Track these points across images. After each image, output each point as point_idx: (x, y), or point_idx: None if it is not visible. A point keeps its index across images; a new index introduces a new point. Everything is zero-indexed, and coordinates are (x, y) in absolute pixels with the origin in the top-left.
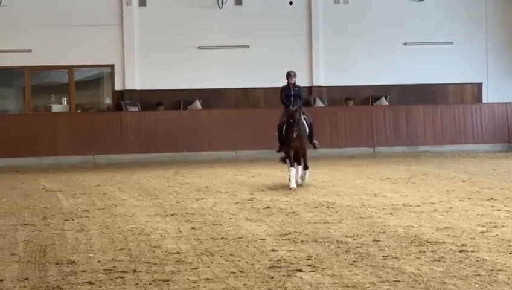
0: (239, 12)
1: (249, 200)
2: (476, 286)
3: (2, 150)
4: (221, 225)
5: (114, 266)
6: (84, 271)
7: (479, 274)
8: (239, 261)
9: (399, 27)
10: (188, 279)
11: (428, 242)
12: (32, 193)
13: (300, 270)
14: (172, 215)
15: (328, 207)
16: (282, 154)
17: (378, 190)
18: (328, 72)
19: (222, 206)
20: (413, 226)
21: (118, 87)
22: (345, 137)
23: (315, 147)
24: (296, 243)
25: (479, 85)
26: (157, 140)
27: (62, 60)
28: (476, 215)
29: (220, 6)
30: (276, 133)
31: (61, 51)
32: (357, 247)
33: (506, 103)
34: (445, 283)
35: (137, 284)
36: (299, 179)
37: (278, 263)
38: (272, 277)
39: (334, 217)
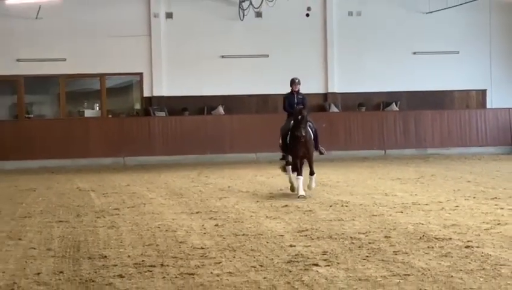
0: (259, 24)
1: (268, 199)
2: (481, 279)
3: (38, 152)
4: (242, 222)
5: (143, 261)
6: (115, 265)
7: (483, 268)
8: (259, 256)
9: (408, 37)
10: (211, 273)
11: (436, 238)
12: (66, 192)
13: (316, 265)
14: (197, 213)
15: (342, 206)
16: (284, 162)
17: (389, 189)
18: (342, 80)
19: (243, 205)
20: (422, 224)
21: (146, 93)
22: (357, 140)
23: (321, 153)
24: (313, 239)
25: (484, 92)
26: (183, 143)
27: (94, 69)
28: (480, 214)
29: (242, 18)
30: (280, 141)
31: (93, 60)
32: (370, 243)
33: (509, 108)
34: (451, 276)
35: (164, 277)
36: (306, 187)
37: (295, 258)
38: (290, 271)
39: (348, 215)
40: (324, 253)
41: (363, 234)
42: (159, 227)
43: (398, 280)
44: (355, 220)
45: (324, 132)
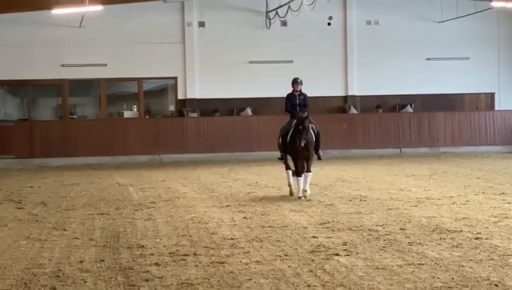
0: (284, 32)
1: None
2: (490, 268)
3: (81, 150)
4: (268, 215)
5: (177, 250)
6: (152, 254)
7: (492, 259)
8: (284, 246)
9: (422, 45)
10: (240, 261)
11: (448, 230)
12: (107, 186)
13: (337, 254)
14: (227, 206)
15: (361, 200)
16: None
17: (404, 185)
18: (361, 84)
19: (269, 199)
20: (435, 217)
21: (180, 96)
22: (375, 140)
23: (319, 158)
24: (333, 230)
25: (492, 95)
26: (214, 142)
27: (132, 73)
28: (489, 208)
29: (268, 27)
30: (279, 141)
31: (131, 65)
32: (386, 234)
33: None
34: (462, 266)
35: (197, 265)
36: (301, 192)
37: (317, 248)
38: (313, 260)
39: (366, 209)
40: (344, 244)
41: (380, 226)
42: (192, 219)
43: (412, 269)
44: (373, 214)
45: (344, 132)
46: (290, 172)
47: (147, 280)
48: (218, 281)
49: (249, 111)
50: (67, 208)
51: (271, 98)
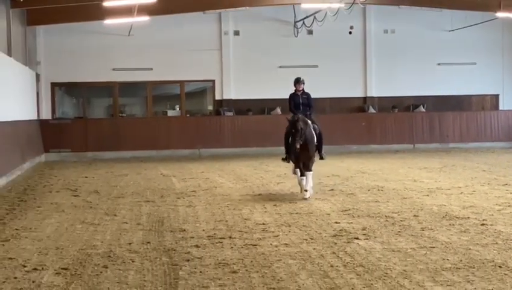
0: (310, 40)
1: (317, 184)
2: (494, 251)
3: (129, 144)
4: (296, 203)
5: (215, 234)
6: (192, 237)
7: (496, 243)
8: (310, 230)
9: (434, 51)
10: (271, 244)
11: (457, 217)
12: (152, 177)
13: (357, 238)
14: (258, 195)
15: (378, 190)
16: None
17: (417, 177)
18: (379, 86)
19: (297, 189)
20: (445, 205)
21: (217, 97)
22: (391, 136)
23: (322, 158)
24: (354, 217)
25: (496, 96)
26: (247, 138)
27: (175, 76)
28: (494, 197)
29: (296, 35)
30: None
31: (174, 69)
32: (401, 221)
33: None
34: (470, 249)
35: (232, 247)
36: (303, 191)
37: (339, 233)
38: (335, 243)
39: (383, 198)
40: (363, 229)
41: (396, 213)
42: (228, 206)
43: (424, 252)
44: (389, 202)
45: (363, 129)
46: (298, 171)
47: (188, 260)
48: (251, 261)
49: (278, 110)
50: (117, 196)
51: None
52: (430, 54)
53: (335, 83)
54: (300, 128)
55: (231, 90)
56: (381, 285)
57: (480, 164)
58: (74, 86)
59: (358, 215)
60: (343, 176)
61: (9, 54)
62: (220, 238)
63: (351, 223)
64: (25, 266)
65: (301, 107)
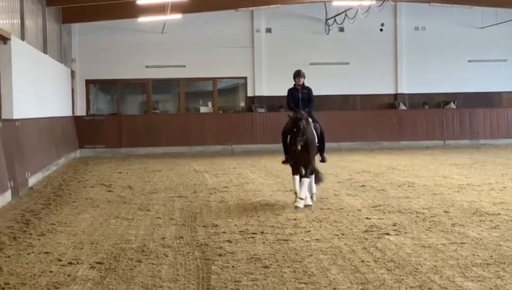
0: (341, 37)
1: (348, 180)
2: None
3: (163, 140)
4: (327, 198)
5: (247, 229)
6: (224, 232)
7: None
8: (341, 226)
9: (464, 48)
10: (302, 239)
11: (487, 213)
12: (185, 173)
13: (388, 234)
14: (290, 190)
15: (409, 186)
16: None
17: (447, 173)
18: (409, 83)
19: (328, 185)
20: (475, 201)
21: (249, 93)
22: (421, 132)
23: (323, 161)
24: (385, 213)
25: None
26: (279, 134)
27: (208, 73)
28: None
29: (327, 33)
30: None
31: (207, 66)
32: (432, 216)
33: None
34: (500, 245)
35: (264, 242)
36: (307, 193)
37: (370, 228)
38: (366, 239)
39: (414, 194)
40: (394, 224)
41: (426, 209)
42: (260, 202)
43: (455, 247)
44: (420, 198)
45: (394, 126)
46: (297, 178)
47: (220, 255)
48: (283, 256)
49: None
50: (150, 191)
51: (329, 95)
52: (460, 51)
53: (366, 80)
54: (303, 128)
55: (263, 87)
56: (411, 280)
57: (511, 160)
58: (108, 83)
59: (389, 211)
60: (374, 172)
61: (45, 51)
62: (252, 233)
63: (382, 219)
64: (60, 260)
65: (301, 102)
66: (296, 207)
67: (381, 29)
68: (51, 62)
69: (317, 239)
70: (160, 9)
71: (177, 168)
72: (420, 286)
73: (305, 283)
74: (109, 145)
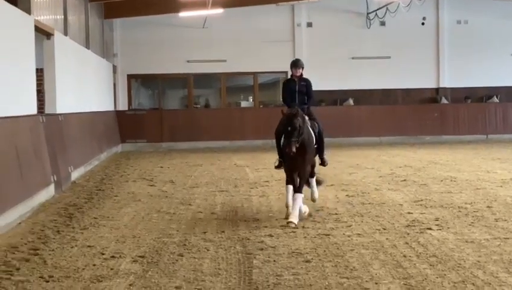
0: (383, 31)
1: (389, 174)
2: None
3: (204, 135)
4: (368, 193)
5: (288, 223)
6: (266, 227)
7: None
8: (382, 221)
9: (507, 41)
10: (343, 234)
11: None
12: (226, 167)
13: (430, 229)
14: (331, 185)
15: (451, 180)
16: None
17: (490, 167)
18: (452, 76)
19: (369, 179)
20: None
21: None
22: (464, 127)
23: (323, 164)
24: (427, 207)
25: None
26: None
27: (248, 68)
28: None
29: (368, 27)
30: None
31: (247, 61)
32: (474, 211)
33: None
34: None
35: (305, 237)
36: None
37: (412, 223)
38: (408, 233)
39: (456, 188)
40: (436, 219)
41: (469, 204)
42: None
43: (498, 243)
44: (462, 193)
45: (436, 120)
46: (291, 188)
47: (262, 249)
48: (324, 251)
49: (350, 101)
50: (192, 186)
51: (371, 89)
52: (503, 44)
53: (407, 74)
54: (299, 126)
55: None
56: (454, 275)
57: None
58: (150, 78)
59: (431, 206)
60: (416, 166)
61: (87, 46)
62: (294, 227)
63: (424, 213)
64: (103, 254)
65: (297, 96)
66: (289, 223)
67: (422, 23)
68: (93, 57)
69: (359, 234)
70: (201, 4)
71: (218, 163)
72: (463, 281)
73: (347, 278)
74: (150, 139)
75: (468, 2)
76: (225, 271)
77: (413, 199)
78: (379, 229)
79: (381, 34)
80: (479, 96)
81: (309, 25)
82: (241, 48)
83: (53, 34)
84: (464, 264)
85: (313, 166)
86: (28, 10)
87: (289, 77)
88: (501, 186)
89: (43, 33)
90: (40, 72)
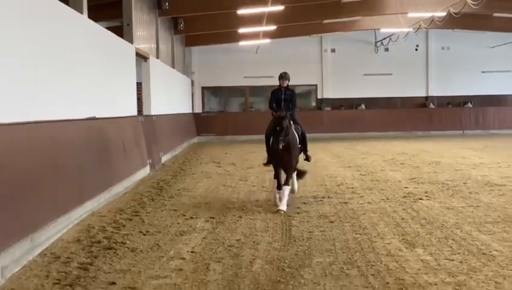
0: (386, 55)
1: (391, 159)
2: None
3: (257, 130)
4: (376, 173)
5: (317, 194)
6: (301, 196)
7: None
8: (386, 193)
9: (479, 62)
10: (358, 202)
11: (496, 185)
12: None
13: (421, 199)
14: (349, 167)
15: (436, 164)
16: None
17: (465, 154)
18: (437, 88)
19: (376, 163)
20: (487, 175)
21: (319, 96)
22: (446, 124)
23: (308, 160)
24: (418, 183)
25: None
26: (340, 125)
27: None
28: None
29: (376, 52)
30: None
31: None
32: (454, 187)
33: None
34: (506, 208)
35: (330, 204)
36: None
37: (408, 195)
38: (405, 202)
39: (440, 170)
40: (426, 192)
41: (450, 181)
42: (326, 175)
43: (472, 209)
44: (445, 173)
45: (425, 120)
46: (276, 183)
47: (298, 213)
48: (343, 214)
49: (363, 106)
50: (248, 167)
51: (377, 97)
52: (475, 65)
53: (404, 86)
54: (286, 126)
55: (329, 91)
56: (439, 233)
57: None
58: (217, 89)
59: (422, 182)
60: (410, 153)
61: (173, 66)
62: (321, 197)
63: (416, 188)
64: (184, 215)
65: (283, 103)
66: (279, 210)
67: (416, 49)
68: (177, 74)
69: (369, 202)
70: (255, 35)
71: (262, 151)
72: (445, 238)
73: (360, 234)
74: (218, 133)
75: (450, 34)
76: (272, 228)
77: (408, 177)
78: (383, 199)
79: (386, 57)
80: (457, 102)
81: (333, 50)
82: (283, 67)
83: (148, 58)
84: (446, 225)
85: (296, 162)
86: (131, 41)
87: (277, 86)
88: (474, 168)
89: (141, 57)
90: (139, 85)
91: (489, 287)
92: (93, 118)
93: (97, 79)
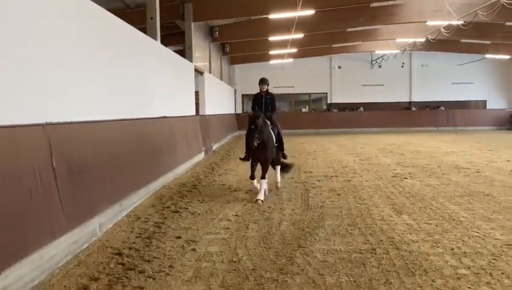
0: (379, 70)
1: (383, 148)
2: (484, 187)
3: (282, 126)
4: (371, 158)
5: (327, 174)
6: (315, 175)
7: (485, 182)
8: (379, 173)
9: (449, 75)
10: (358, 180)
11: (462, 168)
12: (293, 145)
13: (406, 178)
14: (351, 154)
15: (417, 152)
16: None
17: (439, 145)
18: (418, 95)
19: (372, 151)
20: (455, 161)
21: (328, 101)
22: (424, 122)
23: (284, 157)
24: (404, 166)
25: (484, 101)
26: (344, 123)
27: (306, 90)
28: (483, 156)
29: (372, 68)
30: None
31: (305, 87)
32: (431, 169)
33: (504, 109)
34: (470, 185)
35: (337, 181)
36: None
37: (396, 175)
38: (394, 180)
39: (419, 156)
40: (409, 173)
41: (427, 165)
42: (334, 160)
43: (444, 186)
44: (423, 159)
45: (408, 119)
46: (255, 182)
47: (314, 188)
48: (347, 189)
49: (362, 109)
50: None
51: (373, 102)
52: (447, 78)
53: (393, 93)
54: (260, 125)
55: (336, 97)
56: (420, 204)
57: (476, 138)
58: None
59: (406, 166)
60: (397, 144)
61: (221, 79)
62: (331, 176)
63: (402, 170)
64: (230, 188)
65: (263, 107)
66: (257, 200)
67: (402, 66)
68: (224, 85)
69: (367, 180)
70: (281, 56)
71: (288, 142)
72: (425, 207)
73: (360, 204)
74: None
75: (428, 54)
76: (294, 199)
77: (396, 162)
78: (377, 178)
79: (379, 72)
80: (433, 106)
81: (339, 67)
82: (302, 79)
83: (204, 73)
84: (425, 197)
85: (279, 158)
86: (191, 60)
87: (258, 91)
88: (445, 155)
89: (198, 72)
90: (197, 93)
91: (457, 244)
92: (164, 117)
93: (167, 89)
